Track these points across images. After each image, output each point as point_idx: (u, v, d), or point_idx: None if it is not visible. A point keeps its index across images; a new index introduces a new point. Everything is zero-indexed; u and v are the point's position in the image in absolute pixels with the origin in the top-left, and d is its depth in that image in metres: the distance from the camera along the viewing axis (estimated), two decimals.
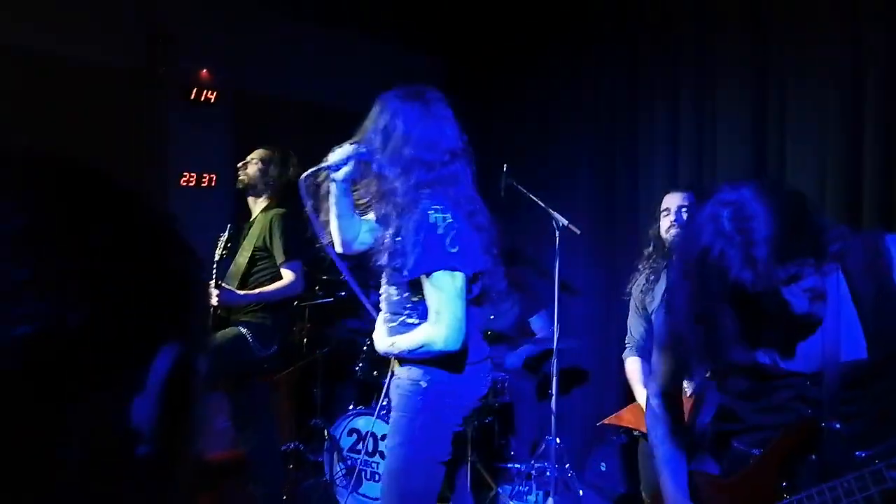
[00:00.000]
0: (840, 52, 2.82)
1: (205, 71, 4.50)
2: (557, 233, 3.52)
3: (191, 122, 4.49)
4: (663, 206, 2.77)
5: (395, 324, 2.03)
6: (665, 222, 2.72)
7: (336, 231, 2.12)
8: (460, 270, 1.89)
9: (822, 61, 2.91)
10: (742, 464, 1.46)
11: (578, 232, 3.61)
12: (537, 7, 4.65)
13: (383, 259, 1.97)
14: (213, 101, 4.50)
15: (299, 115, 4.74)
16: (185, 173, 4.33)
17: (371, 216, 2.16)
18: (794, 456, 1.37)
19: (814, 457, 1.34)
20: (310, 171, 2.02)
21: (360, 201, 2.14)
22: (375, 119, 1.99)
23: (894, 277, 1.29)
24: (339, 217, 2.10)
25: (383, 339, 2.04)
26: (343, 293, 3.63)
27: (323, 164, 2.02)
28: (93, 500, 0.38)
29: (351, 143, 2.01)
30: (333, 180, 2.04)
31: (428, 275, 1.88)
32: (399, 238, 1.92)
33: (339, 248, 2.16)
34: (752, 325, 1.27)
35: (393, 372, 2.09)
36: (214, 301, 2.91)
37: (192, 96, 4.46)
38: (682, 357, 1.38)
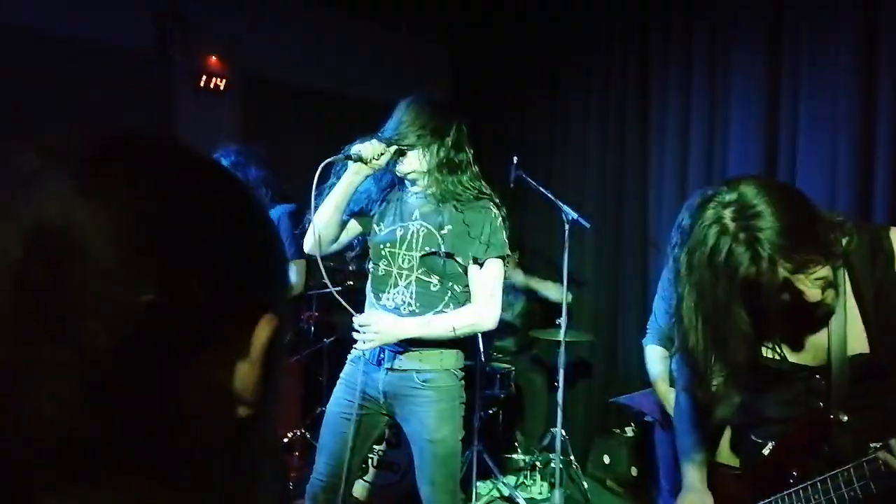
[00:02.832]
0: (853, 48, 2.80)
1: (214, 58, 4.49)
2: (566, 226, 3.52)
3: (200, 107, 4.48)
4: None
5: (427, 315, 2.07)
6: None
7: (324, 225, 2.08)
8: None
9: (834, 57, 2.89)
10: (757, 455, 1.48)
11: (588, 225, 3.61)
12: None
13: (440, 249, 2.05)
14: (222, 87, 4.50)
15: (308, 102, 4.73)
16: None
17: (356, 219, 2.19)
18: (805, 448, 1.39)
19: (826, 448, 1.36)
20: (335, 157, 2.00)
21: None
22: (412, 119, 2.03)
23: (893, 272, 1.30)
24: (335, 209, 2.08)
25: (406, 326, 2.04)
26: (351, 282, 3.63)
27: (354, 154, 1.99)
28: (204, 456, 0.42)
29: (379, 139, 2.00)
30: (355, 172, 2.03)
31: (491, 259, 2.06)
32: (469, 227, 2.04)
33: (313, 246, 2.11)
34: (766, 320, 1.28)
35: (385, 364, 2.11)
36: None
37: (203, 82, 4.45)
38: (695, 365, 1.37)
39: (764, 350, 1.40)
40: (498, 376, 3.84)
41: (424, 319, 2.04)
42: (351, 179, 2.05)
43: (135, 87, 4.11)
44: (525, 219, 4.83)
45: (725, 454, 1.64)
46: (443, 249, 2.06)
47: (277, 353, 0.45)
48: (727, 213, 1.22)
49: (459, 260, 2.07)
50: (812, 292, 1.23)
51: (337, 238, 2.18)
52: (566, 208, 3.56)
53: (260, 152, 3.16)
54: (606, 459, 3.95)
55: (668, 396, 2.60)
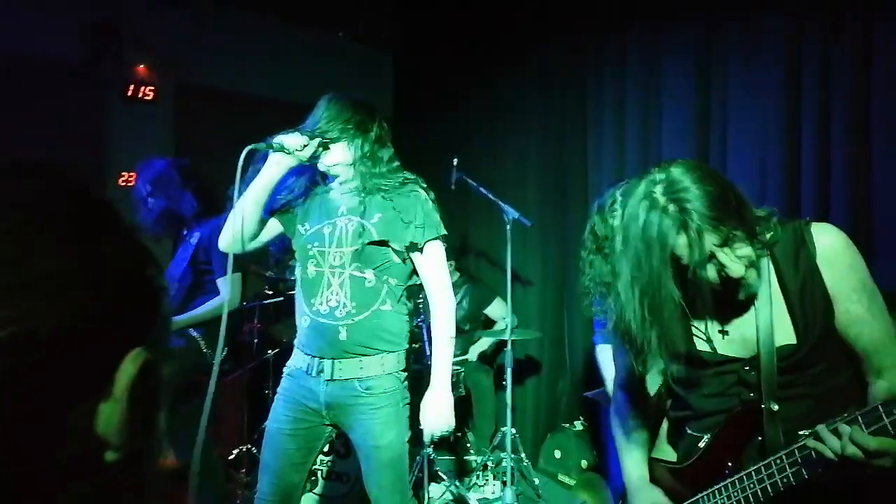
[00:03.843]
0: (779, 47, 2.91)
1: (143, 66, 4.35)
2: (508, 225, 3.55)
3: (130, 118, 4.34)
4: None
5: (364, 315, 2.00)
6: None
7: (241, 219, 1.99)
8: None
9: (763, 56, 3.00)
10: (694, 448, 1.51)
11: (529, 224, 3.64)
12: (485, 0, 4.67)
13: (372, 239, 2.00)
14: (153, 96, 4.36)
15: (245, 109, 4.62)
16: (123, 173, 4.17)
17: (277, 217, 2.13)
18: (739, 439, 1.42)
19: (759, 438, 1.39)
20: (257, 145, 1.89)
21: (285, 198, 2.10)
22: (336, 114, 1.99)
23: (816, 266, 1.34)
24: (255, 203, 1.99)
25: (441, 390, 2.09)
26: (293, 292, 3.56)
27: (276, 143, 1.91)
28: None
29: (302, 132, 1.96)
30: (275, 164, 1.96)
31: (430, 242, 2.04)
32: (400, 213, 2.01)
33: (231, 242, 2.04)
34: (695, 295, 1.32)
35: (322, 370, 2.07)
36: None
37: (132, 91, 4.31)
38: (632, 341, 1.40)
39: (697, 343, 1.43)
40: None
41: (440, 366, 2.09)
42: (272, 171, 1.97)
43: (62, 100, 3.95)
44: (468, 220, 4.86)
45: (663, 449, 1.67)
46: (375, 238, 2.01)
47: (150, 391, 0.42)
48: (657, 189, 1.29)
49: (395, 247, 2.03)
50: (735, 267, 1.28)
51: (257, 235, 2.09)
52: (507, 208, 3.59)
53: (189, 165, 3.06)
54: (557, 454, 4.00)
55: None
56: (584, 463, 3.83)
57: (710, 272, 1.29)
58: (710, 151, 3.29)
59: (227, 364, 3.03)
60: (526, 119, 4.45)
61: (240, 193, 1.91)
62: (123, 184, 4.13)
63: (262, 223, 2.09)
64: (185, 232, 3.00)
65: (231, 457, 3.64)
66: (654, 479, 1.61)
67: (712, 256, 1.28)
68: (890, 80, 2.46)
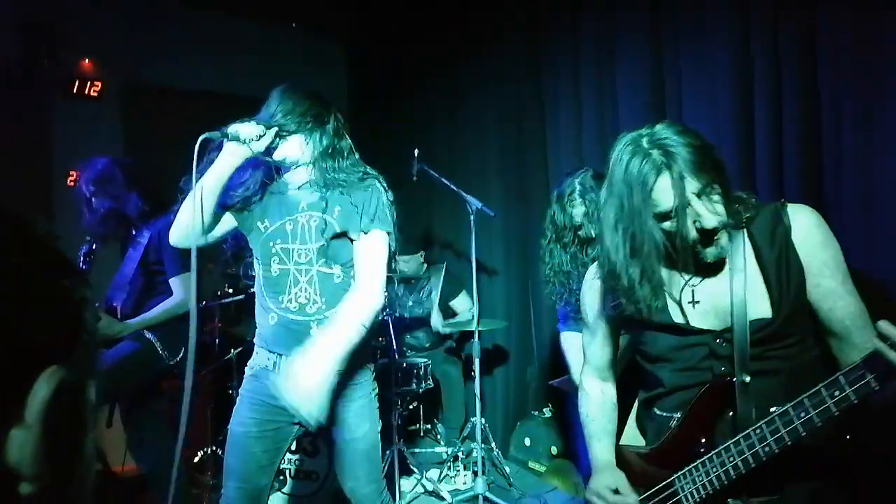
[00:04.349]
0: (730, 33, 2.94)
1: (87, 61, 4.19)
2: (472, 216, 3.53)
3: (76, 117, 4.18)
4: None
5: (335, 310, 1.94)
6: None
7: (192, 210, 1.88)
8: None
9: (713, 42, 3.03)
10: (665, 429, 1.51)
11: (493, 214, 3.63)
12: None
13: (336, 229, 1.95)
14: (98, 93, 4.21)
15: (197, 104, 4.49)
16: (71, 172, 4.02)
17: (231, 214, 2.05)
18: (713, 413, 1.43)
19: (730, 413, 1.40)
20: (211, 133, 1.80)
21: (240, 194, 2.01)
22: (292, 106, 1.92)
23: (791, 243, 1.38)
24: (209, 193, 1.88)
25: (320, 360, 1.79)
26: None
27: (231, 132, 1.83)
28: None
29: (259, 121, 1.88)
30: (230, 153, 1.87)
31: (376, 230, 1.96)
32: (356, 207, 1.95)
33: (182, 238, 1.95)
34: (671, 241, 1.37)
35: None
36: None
37: (76, 90, 4.15)
38: (617, 279, 1.44)
39: (672, 315, 1.45)
40: (414, 371, 3.81)
41: (328, 340, 1.83)
42: (227, 160, 1.88)
43: (3, 100, 3.78)
44: (432, 212, 4.83)
45: (632, 436, 1.68)
46: (337, 230, 1.96)
47: (70, 413, 0.37)
48: (643, 139, 1.37)
49: (353, 237, 1.98)
50: (710, 217, 1.33)
51: (211, 229, 2.00)
52: (470, 198, 3.57)
53: (133, 163, 2.94)
54: (527, 442, 4.01)
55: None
56: (553, 449, 3.86)
57: (687, 221, 1.34)
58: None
59: (186, 367, 2.94)
60: (483, 109, 4.44)
61: (187, 187, 1.84)
62: (72, 183, 3.98)
63: (216, 217, 2.00)
64: (133, 232, 2.89)
65: (196, 459, 3.56)
66: (621, 465, 1.61)
67: (688, 206, 1.33)
68: (834, 53, 2.50)
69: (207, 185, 1.89)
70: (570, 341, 2.80)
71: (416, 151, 3.72)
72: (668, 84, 3.29)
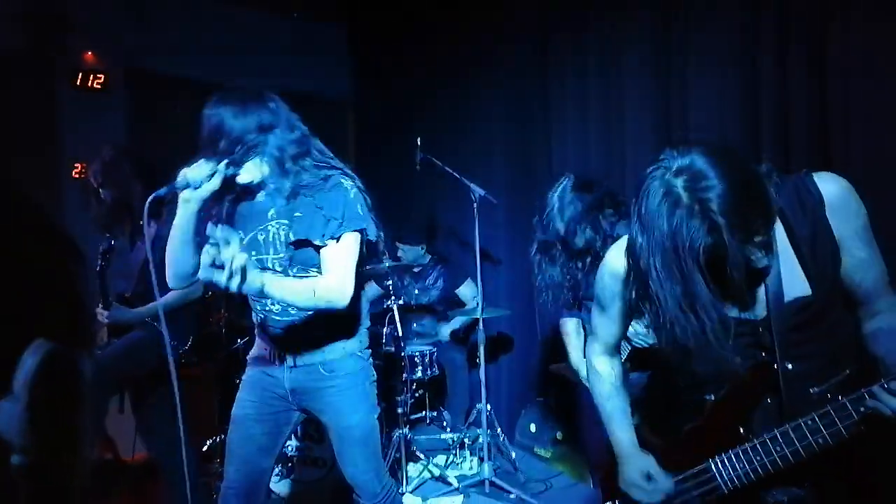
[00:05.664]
0: (738, 27, 2.94)
1: (91, 53, 4.20)
2: (475, 204, 3.53)
3: (83, 107, 4.19)
4: None
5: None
6: None
7: (176, 261, 1.89)
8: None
9: (720, 34, 3.03)
10: (698, 412, 1.48)
11: (496, 202, 3.64)
12: None
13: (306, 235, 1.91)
14: (104, 84, 4.22)
15: (198, 93, 4.48)
16: (77, 164, 4.04)
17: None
18: (750, 399, 1.41)
19: (769, 400, 1.38)
20: (161, 191, 1.74)
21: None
22: (229, 130, 1.81)
23: (824, 214, 1.32)
24: (183, 244, 1.86)
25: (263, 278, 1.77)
26: None
27: (179, 182, 1.75)
28: None
29: (207, 159, 1.79)
30: (185, 201, 1.81)
31: (347, 234, 1.90)
32: (321, 209, 1.89)
33: (176, 284, 1.95)
34: (721, 285, 1.25)
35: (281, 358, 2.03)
36: (104, 321, 2.73)
37: (81, 80, 4.16)
38: (677, 338, 1.28)
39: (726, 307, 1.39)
40: (420, 359, 3.84)
41: (286, 280, 1.85)
42: (186, 210, 1.82)
43: (11, 91, 3.80)
44: (436, 201, 4.83)
45: (641, 415, 1.67)
46: (293, 240, 1.92)
47: (59, 388, 0.37)
48: (679, 182, 1.19)
49: (316, 243, 1.91)
50: (762, 259, 1.25)
51: (198, 266, 1.82)
52: (473, 186, 3.57)
53: (138, 154, 2.95)
54: (533, 427, 4.04)
55: (581, 366, 2.68)
56: (558, 435, 3.88)
57: (738, 262, 1.22)
58: (671, 125, 3.31)
59: (193, 356, 2.98)
60: (489, 96, 4.42)
61: (150, 240, 1.85)
62: (77, 175, 4.01)
63: (199, 254, 1.88)
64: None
65: (204, 448, 3.60)
66: (646, 445, 1.58)
67: (741, 250, 1.21)
68: (844, 66, 2.49)
69: (179, 238, 1.86)
70: (569, 326, 2.83)
71: (419, 140, 3.72)
72: (672, 81, 3.28)
